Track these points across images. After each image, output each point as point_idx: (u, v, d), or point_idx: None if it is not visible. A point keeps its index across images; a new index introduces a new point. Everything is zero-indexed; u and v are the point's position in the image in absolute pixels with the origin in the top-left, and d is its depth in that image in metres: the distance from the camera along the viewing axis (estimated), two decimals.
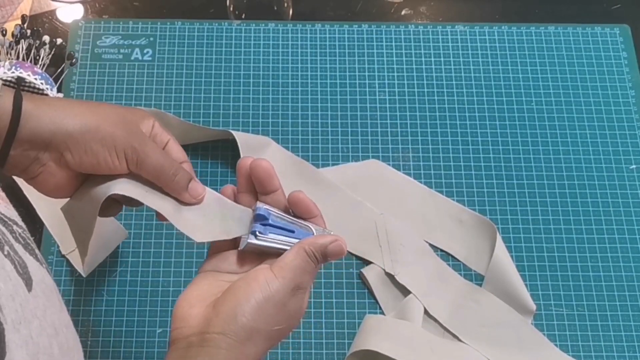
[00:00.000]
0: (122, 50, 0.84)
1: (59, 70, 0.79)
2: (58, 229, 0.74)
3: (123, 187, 0.52)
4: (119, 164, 0.51)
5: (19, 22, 0.81)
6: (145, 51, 0.84)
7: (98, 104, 0.53)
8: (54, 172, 0.51)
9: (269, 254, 0.52)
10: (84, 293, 0.71)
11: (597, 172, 0.80)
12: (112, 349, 0.69)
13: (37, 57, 0.78)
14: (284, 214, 0.53)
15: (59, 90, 0.78)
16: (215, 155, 0.79)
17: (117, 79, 0.83)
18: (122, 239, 0.73)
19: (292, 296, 0.49)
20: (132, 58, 0.84)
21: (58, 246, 0.73)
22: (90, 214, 0.53)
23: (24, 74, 0.72)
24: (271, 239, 0.52)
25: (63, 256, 0.73)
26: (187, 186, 0.53)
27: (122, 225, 0.73)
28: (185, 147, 0.78)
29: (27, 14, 0.87)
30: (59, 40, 0.81)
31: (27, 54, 0.77)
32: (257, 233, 0.51)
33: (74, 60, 0.80)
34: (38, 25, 0.86)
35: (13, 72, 0.72)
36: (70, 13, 0.87)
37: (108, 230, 0.72)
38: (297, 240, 0.51)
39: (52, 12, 0.87)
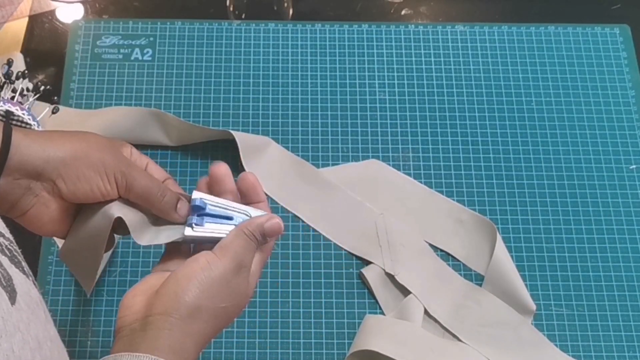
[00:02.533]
0: (122, 50, 0.84)
1: (43, 113, 0.78)
2: None
3: (122, 211, 0.52)
4: (110, 190, 0.51)
5: (23, 21, 0.79)
6: (145, 51, 0.84)
7: (83, 132, 0.53)
8: (47, 203, 0.50)
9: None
10: (83, 293, 0.71)
11: (597, 172, 0.80)
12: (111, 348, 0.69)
13: (22, 102, 0.77)
14: (222, 202, 0.53)
15: (55, 94, 0.78)
16: (215, 155, 0.79)
17: (117, 79, 0.83)
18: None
19: (236, 274, 0.50)
20: (132, 58, 0.84)
21: (58, 247, 0.73)
22: (95, 247, 0.53)
23: (12, 108, 0.72)
24: (208, 229, 0.52)
25: None
26: (175, 207, 0.53)
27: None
28: (185, 147, 0.79)
29: (27, 14, 0.86)
30: (42, 87, 0.79)
31: (12, 98, 0.76)
32: (193, 225, 0.52)
33: (54, 108, 0.78)
34: (38, 25, 0.86)
35: (1, 106, 0.72)
36: (70, 13, 0.87)
37: None
38: (232, 228, 0.52)
39: (52, 12, 0.87)
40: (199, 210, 0.52)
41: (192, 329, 0.47)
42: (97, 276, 0.70)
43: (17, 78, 0.76)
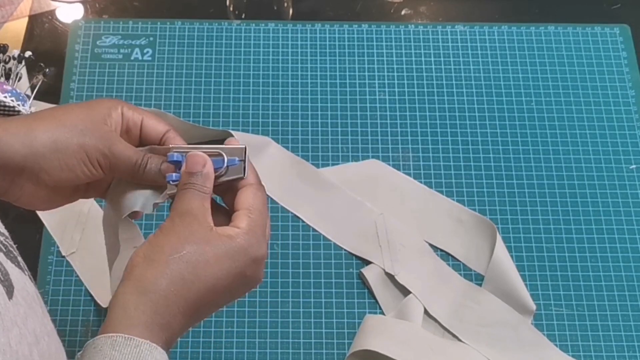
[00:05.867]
0: (122, 50, 0.84)
1: (32, 83, 0.78)
2: (58, 230, 0.74)
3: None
4: (95, 172, 0.51)
5: (23, 21, 0.80)
6: (145, 51, 0.84)
7: (64, 109, 0.51)
8: (34, 192, 0.51)
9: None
10: (83, 293, 0.71)
11: (597, 172, 0.80)
12: None
13: (8, 74, 0.77)
14: (198, 148, 0.51)
15: (55, 94, 0.77)
16: None
17: (117, 79, 0.83)
18: None
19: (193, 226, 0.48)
20: (132, 58, 0.84)
21: (58, 247, 0.73)
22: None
23: None
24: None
25: (63, 257, 0.73)
26: (159, 170, 0.51)
27: None
28: None
29: (27, 13, 0.86)
30: (28, 53, 0.79)
31: None
32: (171, 182, 0.50)
33: (46, 70, 0.78)
34: (38, 25, 0.86)
35: None
36: (70, 13, 0.87)
37: None
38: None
39: (52, 12, 0.87)
40: (178, 165, 0.51)
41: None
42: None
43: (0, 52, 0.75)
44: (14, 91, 0.74)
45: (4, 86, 0.74)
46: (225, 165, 0.50)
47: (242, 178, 0.50)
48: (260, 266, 0.50)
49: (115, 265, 0.53)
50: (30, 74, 0.80)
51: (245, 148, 0.51)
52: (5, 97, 0.71)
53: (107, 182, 0.55)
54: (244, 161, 0.51)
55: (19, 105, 0.73)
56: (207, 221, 0.48)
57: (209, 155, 0.50)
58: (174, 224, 0.48)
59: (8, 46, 0.79)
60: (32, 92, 0.78)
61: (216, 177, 0.50)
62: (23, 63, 0.78)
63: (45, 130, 0.50)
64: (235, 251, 0.47)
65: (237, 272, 0.48)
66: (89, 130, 0.50)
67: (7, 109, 0.73)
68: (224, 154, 0.50)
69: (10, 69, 0.77)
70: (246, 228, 0.48)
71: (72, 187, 0.53)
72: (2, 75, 0.76)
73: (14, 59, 0.78)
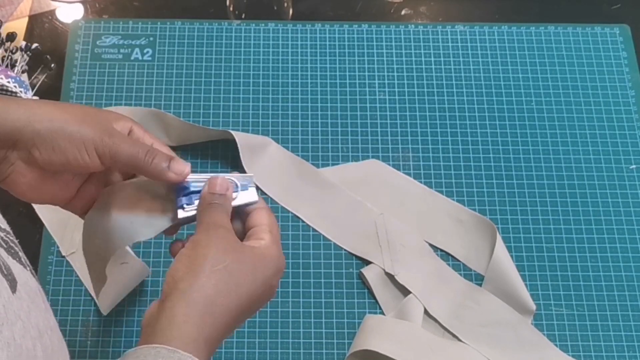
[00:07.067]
0: (122, 50, 0.84)
1: (35, 75, 0.78)
2: (58, 230, 0.74)
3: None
4: (89, 161, 0.50)
5: (23, 21, 0.80)
6: (145, 51, 0.84)
7: (67, 103, 0.52)
8: (23, 172, 0.50)
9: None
10: (83, 293, 0.71)
11: (597, 172, 0.80)
12: (112, 349, 0.69)
13: (14, 64, 0.77)
14: (200, 176, 0.53)
15: (55, 94, 0.78)
16: (215, 155, 0.79)
17: (117, 79, 0.83)
18: (144, 277, 0.71)
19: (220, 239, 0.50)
20: (132, 58, 0.84)
21: (58, 247, 0.73)
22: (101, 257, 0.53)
23: None
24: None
25: (63, 257, 0.73)
26: (168, 166, 0.51)
27: (145, 265, 0.71)
28: (185, 147, 0.79)
29: (27, 13, 0.87)
30: (35, 45, 0.80)
31: (2, 60, 0.77)
32: (185, 206, 0.51)
33: (52, 65, 0.79)
34: (38, 25, 0.86)
35: None
36: (70, 13, 0.87)
37: (134, 269, 0.70)
38: None
39: (52, 12, 0.87)
40: (184, 190, 0.52)
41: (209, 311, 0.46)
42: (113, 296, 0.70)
43: (7, 40, 0.75)
44: (17, 78, 0.74)
45: (8, 72, 0.74)
46: (239, 190, 0.53)
47: (255, 202, 0.53)
48: (281, 276, 0.52)
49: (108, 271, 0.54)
50: (36, 67, 0.80)
51: (253, 176, 0.54)
52: (9, 82, 0.71)
53: (93, 198, 0.55)
54: (255, 187, 0.54)
55: (21, 92, 0.73)
56: (235, 237, 0.50)
57: None
58: (209, 236, 0.48)
59: (17, 34, 0.79)
60: (32, 90, 0.78)
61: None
62: (29, 55, 0.78)
63: (45, 112, 0.50)
64: (268, 261, 0.49)
65: (267, 281, 0.49)
66: (90, 121, 0.50)
67: (8, 93, 0.73)
68: (236, 181, 0.53)
69: (16, 60, 0.77)
70: (271, 240, 0.50)
71: (62, 181, 0.53)
72: (8, 65, 0.76)
73: (21, 50, 0.78)
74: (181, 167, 0.52)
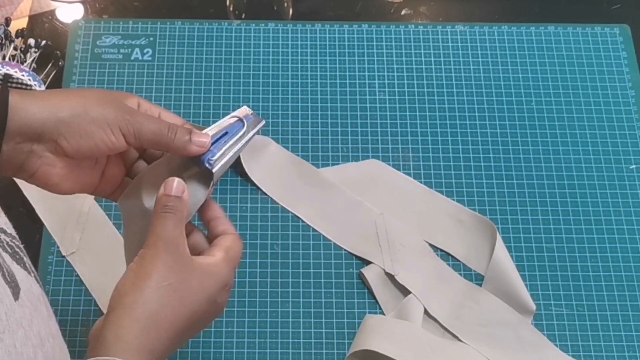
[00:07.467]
0: (122, 50, 0.84)
1: (45, 71, 0.79)
2: (58, 230, 0.74)
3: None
4: (116, 141, 0.50)
5: (23, 21, 0.81)
6: (145, 51, 0.84)
7: (80, 89, 0.53)
8: (52, 162, 0.50)
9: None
10: (83, 293, 0.71)
11: (597, 172, 0.80)
12: None
13: (24, 60, 0.77)
14: (211, 128, 0.54)
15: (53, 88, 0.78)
16: None
17: (117, 79, 0.82)
18: None
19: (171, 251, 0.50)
20: (132, 58, 0.84)
21: (58, 247, 0.73)
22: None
23: (11, 71, 0.71)
24: (223, 154, 0.53)
25: (63, 257, 0.73)
26: (190, 139, 0.52)
27: None
28: None
29: (27, 13, 0.87)
30: (43, 42, 0.80)
31: (13, 57, 0.77)
32: (209, 160, 0.52)
33: (60, 62, 0.79)
34: (38, 25, 0.86)
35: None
36: (70, 13, 0.87)
37: None
38: (237, 137, 0.54)
39: (52, 12, 0.87)
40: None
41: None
42: None
43: (17, 37, 0.75)
44: (30, 72, 0.74)
45: (21, 67, 0.74)
46: (246, 125, 0.55)
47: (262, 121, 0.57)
48: (228, 293, 0.53)
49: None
50: (46, 61, 0.81)
51: (249, 107, 0.57)
52: (23, 75, 0.72)
53: (121, 175, 0.56)
54: (254, 114, 0.57)
55: (35, 85, 0.74)
56: (186, 250, 0.50)
57: (230, 124, 0.55)
58: (157, 252, 0.49)
59: (25, 31, 0.80)
60: (44, 86, 0.79)
61: (242, 137, 0.55)
62: (39, 52, 0.79)
63: (64, 99, 0.50)
64: (215, 279, 0.51)
65: (212, 297, 0.50)
66: (109, 103, 0.51)
67: (24, 87, 0.73)
68: (240, 117, 0.55)
69: (26, 57, 0.77)
70: (222, 259, 0.51)
71: (87, 168, 0.53)
72: (19, 61, 0.77)
73: (30, 47, 0.79)
74: (203, 139, 0.53)
